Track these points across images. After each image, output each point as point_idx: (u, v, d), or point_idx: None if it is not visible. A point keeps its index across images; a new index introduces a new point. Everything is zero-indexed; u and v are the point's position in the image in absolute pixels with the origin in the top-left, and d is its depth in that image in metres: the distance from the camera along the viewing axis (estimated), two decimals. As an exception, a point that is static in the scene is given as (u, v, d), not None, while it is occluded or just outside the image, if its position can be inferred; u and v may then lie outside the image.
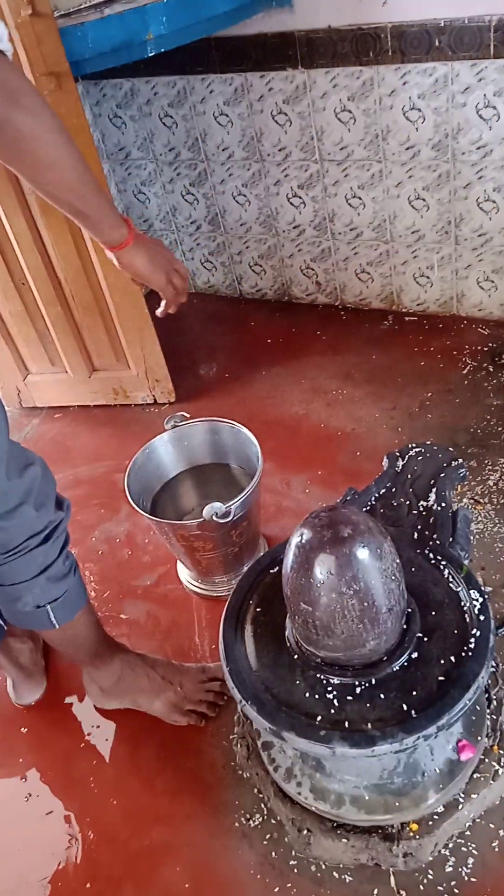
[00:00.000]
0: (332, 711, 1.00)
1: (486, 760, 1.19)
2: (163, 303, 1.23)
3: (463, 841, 1.17)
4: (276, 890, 1.17)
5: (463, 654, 1.02)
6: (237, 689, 1.06)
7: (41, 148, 0.93)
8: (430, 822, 1.14)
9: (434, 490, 1.27)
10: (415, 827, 1.13)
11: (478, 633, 1.03)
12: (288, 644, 1.09)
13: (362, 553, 0.93)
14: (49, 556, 1.17)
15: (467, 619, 1.06)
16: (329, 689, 1.03)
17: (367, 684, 1.02)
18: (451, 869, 1.15)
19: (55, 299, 1.96)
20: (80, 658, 1.38)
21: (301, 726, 0.99)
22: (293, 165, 2.13)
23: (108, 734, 1.44)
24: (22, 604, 1.18)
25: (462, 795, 1.16)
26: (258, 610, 1.16)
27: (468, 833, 1.18)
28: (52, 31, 1.54)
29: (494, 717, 1.22)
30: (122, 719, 1.45)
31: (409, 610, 1.06)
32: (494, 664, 1.29)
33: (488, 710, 1.22)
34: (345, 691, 1.02)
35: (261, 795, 1.28)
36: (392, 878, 1.15)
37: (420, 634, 1.05)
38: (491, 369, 2.02)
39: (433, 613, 1.08)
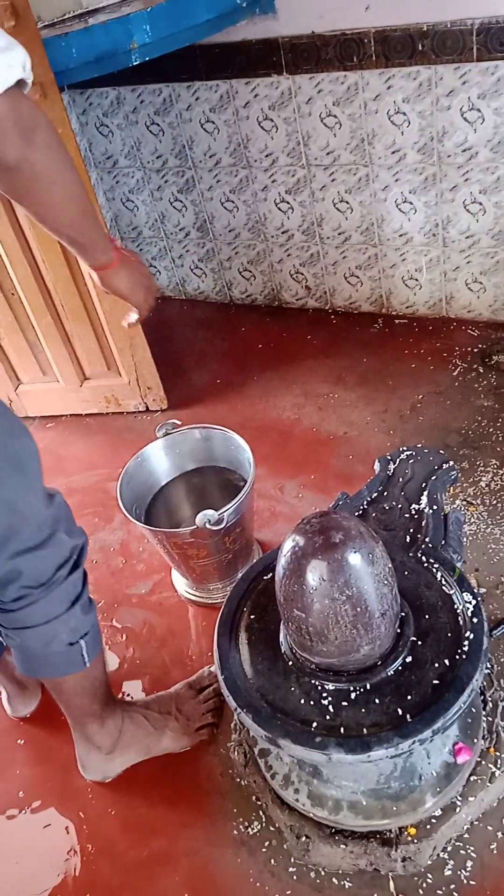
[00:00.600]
0: (328, 717, 1.00)
1: (483, 763, 1.19)
2: (134, 315, 1.23)
3: (461, 844, 1.17)
4: (276, 897, 1.17)
5: (457, 656, 1.02)
6: (232, 698, 1.05)
7: (52, 188, 0.93)
8: (428, 826, 1.14)
9: (425, 493, 1.27)
10: (413, 831, 1.13)
11: (471, 636, 1.04)
12: (282, 651, 1.09)
13: (354, 558, 0.94)
14: (78, 584, 1.13)
15: (461, 622, 1.07)
16: (324, 695, 1.02)
17: (361, 689, 1.02)
18: (449, 872, 1.15)
19: (45, 309, 1.96)
20: (93, 709, 1.26)
21: (297, 733, 0.99)
22: (280, 171, 2.14)
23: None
24: (57, 643, 1.12)
25: (459, 798, 1.16)
26: (252, 617, 1.16)
27: (466, 836, 1.18)
28: (36, 41, 1.54)
29: (490, 719, 1.22)
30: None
31: (403, 614, 1.06)
32: (489, 666, 1.29)
33: (484, 713, 1.22)
34: (340, 697, 1.02)
35: (259, 803, 1.28)
36: (391, 883, 1.15)
37: (414, 638, 1.05)
38: (481, 370, 2.03)
39: (427, 617, 1.09)
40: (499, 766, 1.19)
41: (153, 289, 1.20)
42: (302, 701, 1.03)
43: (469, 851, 1.16)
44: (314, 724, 1.00)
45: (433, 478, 1.29)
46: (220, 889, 1.20)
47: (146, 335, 2.01)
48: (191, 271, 2.56)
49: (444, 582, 1.12)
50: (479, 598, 1.08)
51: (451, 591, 1.11)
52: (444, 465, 1.32)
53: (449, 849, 1.17)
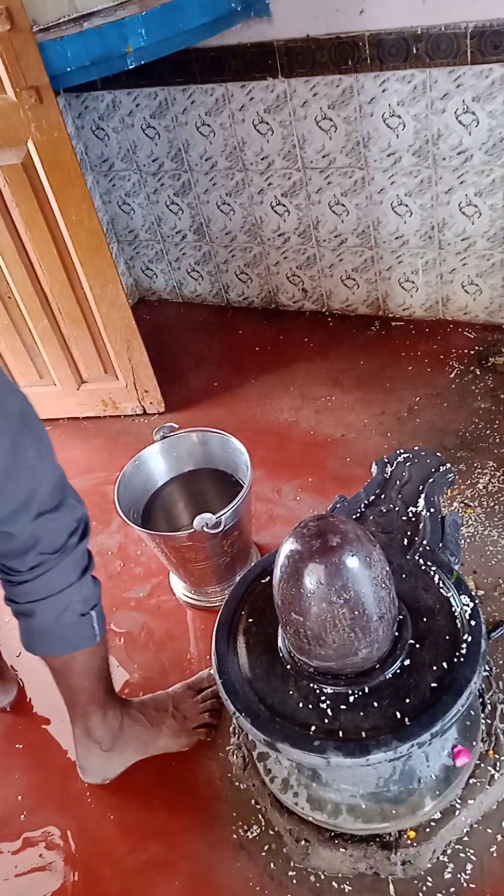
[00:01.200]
0: (326, 721, 1.00)
1: (482, 765, 1.19)
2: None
3: (461, 847, 1.17)
4: (276, 901, 1.17)
5: (455, 659, 1.02)
6: (231, 701, 1.05)
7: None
8: (428, 829, 1.14)
9: (423, 495, 1.27)
10: (412, 834, 1.13)
11: (469, 639, 1.04)
12: (280, 654, 1.09)
13: (352, 561, 0.94)
14: (86, 554, 1.16)
15: (458, 625, 1.07)
16: (322, 698, 1.02)
17: (360, 693, 1.02)
18: (449, 875, 1.15)
19: (42, 313, 1.96)
20: (98, 695, 1.27)
21: (295, 737, 0.99)
22: (276, 174, 2.14)
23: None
24: (69, 614, 1.13)
25: (459, 801, 1.16)
26: (250, 620, 1.16)
27: (466, 839, 1.18)
28: (31, 45, 1.55)
29: (489, 721, 1.23)
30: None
31: (401, 617, 1.06)
32: (487, 668, 1.29)
33: (483, 715, 1.23)
34: (338, 700, 1.02)
35: (258, 807, 1.28)
36: (391, 887, 1.15)
37: (412, 641, 1.05)
38: (478, 372, 2.03)
39: (424, 620, 1.09)
40: (498, 768, 1.19)
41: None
42: (300, 704, 1.03)
43: (469, 854, 1.16)
44: (313, 728, 1.00)
45: (430, 480, 1.30)
46: (219, 894, 1.20)
47: (143, 338, 2.01)
48: (187, 274, 2.56)
49: (441, 585, 1.12)
50: (476, 601, 1.08)
51: (449, 594, 1.11)
52: (442, 468, 1.32)
53: (449, 852, 1.17)
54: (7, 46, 1.53)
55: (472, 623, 1.05)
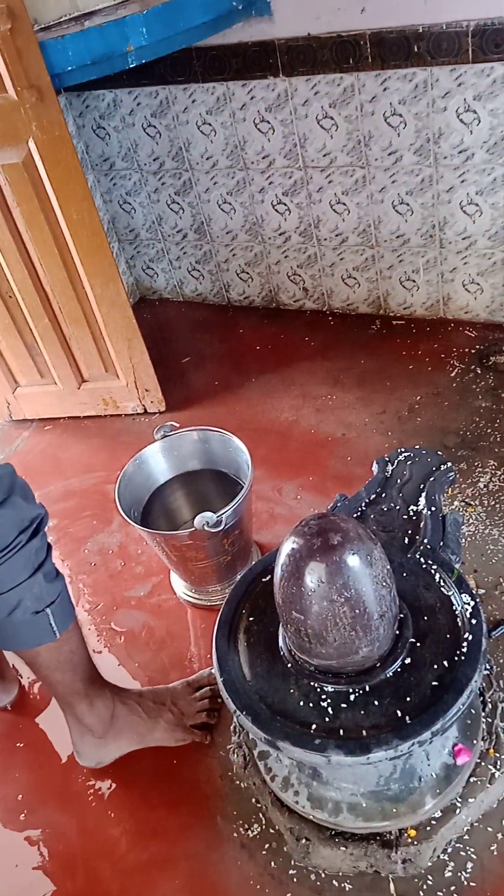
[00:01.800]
0: (327, 719, 1.00)
1: (483, 764, 1.19)
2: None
3: (461, 845, 1.17)
4: (276, 900, 1.17)
5: (456, 658, 1.02)
6: (232, 700, 1.05)
7: None
8: (429, 828, 1.14)
9: (424, 494, 1.27)
10: (413, 833, 1.13)
11: (470, 637, 1.03)
12: (281, 653, 1.09)
13: (352, 560, 0.93)
14: (41, 552, 1.13)
15: (459, 623, 1.06)
16: (323, 696, 1.02)
17: (360, 691, 1.02)
18: (450, 874, 1.15)
19: (42, 312, 1.96)
20: (75, 686, 1.28)
21: (296, 735, 0.99)
22: (277, 173, 2.14)
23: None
24: (21, 610, 1.12)
25: (459, 800, 1.16)
26: (251, 619, 1.16)
27: (466, 837, 1.18)
28: (32, 44, 1.55)
29: (490, 720, 1.22)
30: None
31: (402, 615, 1.06)
32: (488, 667, 1.29)
33: (483, 714, 1.22)
34: (339, 699, 1.02)
35: (259, 805, 1.28)
36: (391, 885, 1.15)
37: (413, 640, 1.05)
38: (479, 371, 2.03)
39: (425, 618, 1.08)
40: (498, 767, 1.19)
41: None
42: (301, 703, 1.03)
43: (469, 853, 1.16)
44: (313, 727, 1.00)
45: (431, 479, 1.29)
46: (220, 892, 1.20)
47: (144, 337, 2.01)
48: (188, 273, 2.56)
49: (442, 583, 1.12)
50: (477, 600, 1.08)
51: (450, 593, 1.11)
52: (442, 467, 1.32)
53: (449, 850, 1.17)
54: (8, 45, 1.53)
55: (473, 621, 1.05)
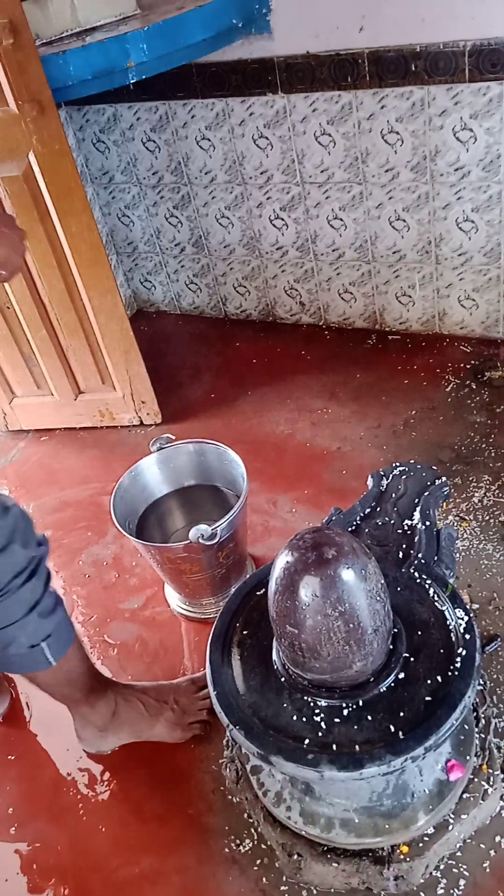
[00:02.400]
0: (320, 734, 1.00)
1: (476, 780, 1.19)
2: None
3: (454, 862, 1.17)
4: (268, 916, 1.16)
5: (449, 673, 1.02)
6: (225, 714, 1.05)
7: None
8: (421, 844, 1.13)
9: (418, 508, 1.27)
10: (405, 849, 1.13)
11: (464, 652, 1.04)
12: (275, 667, 1.08)
13: (347, 574, 0.94)
14: (36, 592, 1.14)
15: (453, 638, 1.07)
16: (316, 711, 1.02)
17: (354, 706, 1.02)
18: (442, 891, 1.14)
19: (40, 323, 1.96)
20: (75, 697, 1.32)
21: (289, 750, 0.99)
22: (275, 188, 2.16)
23: (98, 760, 1.42)
24: (16, 646, 1.14)
25: (452, 816, 1.15)
26: (245, 632, 1.16)
27: (459, 854, 1.17)
28: (33, 59, 1.56)
29: (483, 735, 1.22)
30: (110, 745, 1.44)
31: (395, 630, 1.06)
32: (482, 682, 1.29)
33: (477, 729, 1.22)
34: (332, 713, 1.02)
35: (251, 820, 1.27)
36: (384, 902, 1.14)
37: (406, 654, 1.05)
38: (474, 386, 2.04)
39: (419, 633, 1.09)
40: (491, 783, 1.19)
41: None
42: (294, 717, 1.03)
43: (462, 870, 1.16)
44: (306, 741, 1.00)
45: (426, 493, 1.30)
46: (211, 908, 1.19)
47: (141, 350, 2.01)
48: (186, 286, 2.57)
49: (436, 598, 1.12)
50: (471, 615, 1.09)
51: (444, 608, 1.11)
52: (437, 481, 1.32)
53: (441, 867, 1.16)
54: (10, 59, 1.54)
55: (467, 637, 1.05)
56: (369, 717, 1.00)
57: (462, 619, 1.08)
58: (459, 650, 1.04)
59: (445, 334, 2.24)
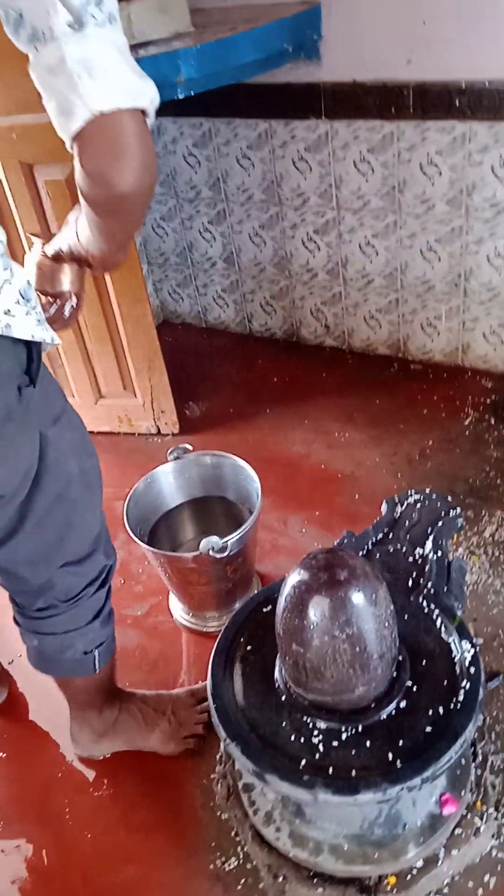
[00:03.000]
0: (317, 756, 1.00)
1: (469, 816, 1.18)
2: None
3: (441, 898, 1.15)
4: (248, 937, 1.15)
5: (452, 705, 1.02)
6: (222, 727, 1.05)
7: (141, 213, 0.90)
8: (409, 877, 1.12)
9: (431, 538, 1.27)
10: (393, 880, 1.12)
11: (467, 686, 1.03)
12: (276, 685, 1.08)
13: (357, 597, 0.94)
14: (101, 599, 1.17)
15: (457, 671, 1.06)
16: (315, 733, 1.02)
17: (353, 731, 1.01)
18: (427, 927, 1.13)
19: (68, 325, 1.98)
20: (92, 702, 1.32)
21: (284, 769, 0.99)
22: (310, 211, 2.18)
23: (89, 764, 1.42)
24: (72, 652, 1.16)
25: (442, 850, 1.14)
26: (248, 648, 1.15)
27: (446, 890, 1.16)
28: (85, 67, 1.59)
29: (479, 771, 1.21)
30: (103, 750, 1.43)
31: (400, 658, 1.06)
32: (482, 718, 1.28)
33: (473, 765, 1.21)
34: (331, 736, 1.01)
35: (238, 838, 1.26)
36: (367, 933, 1.13)
37: (410, 683, 1.05)
38: (493, 421, 2.04)
39: (424, 663, 1.08)
40: (484, 820, 1.17)
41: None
42: (292, 737, 1.02)
43: (448, 907, 1.14)
44: (303, 762, 0.99)
45: (439, 524, 1.30)
46: (191, 924, 1.18)
47: (164, 360, 2.03)
48: (213, 301, 2.59)
49: (443, 629, 1.12)
50: (477, 648, 1.08)
51: (450, 639, 1.10)
52: (451, 512, 1.32)
53: (428, 903, 1.15)
54: (62, 66, 1.57)
55: (472, 670, 1.05)
56: (368, 744, 1.00)
57: (468, 651, 1.08)
58: (463, 683, 1.04)
59: (468, 367, 2.24)
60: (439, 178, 1.94)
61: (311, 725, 1.03)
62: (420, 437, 2.04)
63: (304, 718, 1.03)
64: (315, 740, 1.01)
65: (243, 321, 2.58)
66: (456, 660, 1.08)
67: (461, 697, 1.02)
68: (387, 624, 0.97)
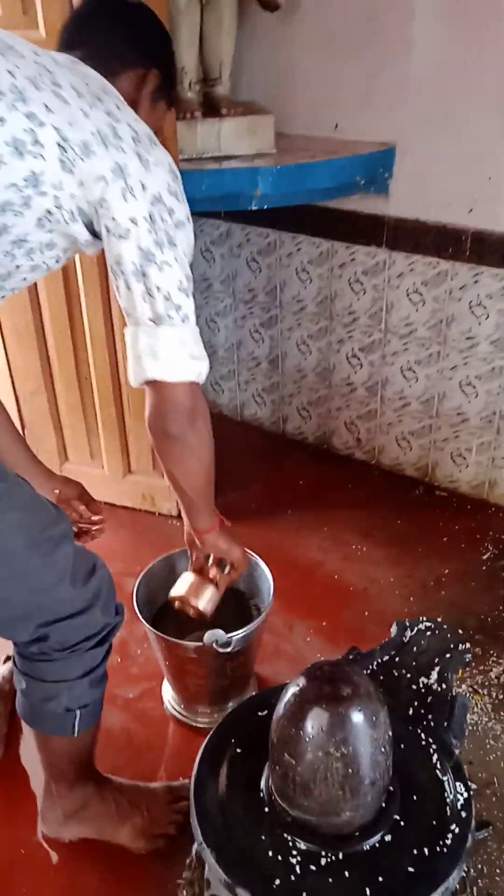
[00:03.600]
0: (293, 878, 0.96)
1: None
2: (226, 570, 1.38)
3: None
4: None
5: (438, 848, 0.98)
6: (199, 830, 1.02)
7: (193, 459, 1.16)
8: None
9: (436, 669, 1.26)
10: None
11: (456, 830, 1.00)
12: (261, 794, 1.06)
13: (357, 717, 0.93)
14: (97, 658, 1.16)
15: (448, 813, 1.03)
16: (294, 853, 0.98)
17: (333, 858, 0.98)
18: None
19: (111, 400, 2.05)
20: (64, 773, 1.28)
21: (256, 885, 0.95)
22: (359, 329, 2.27)
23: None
24: (55, 704, 1.15)
25: None
26: (238, 751, 1.13)
27: None
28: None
29: (456, 927, 1.15)
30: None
31: (391, 788, 1.03)
32: (465, 869, 1.22)
33: (451, 919, 1.15)
34: (309, 860, 0.98)
35: None
36: None
37: (397, 817, 1.02)
38: (511, 561, 2.04)
39: (415, 798, 1.05)
40: None
41: (245, 551, 1.39)
42: (270, 853, 0.99)
43: None
44: (276, 882, 0.96)
45: (447, 656, 1.29)
46: None
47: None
48: (252, 398, 2.67)
49: (438, 766, 1.09)
50: (471, 792, 1.05)
51: (445, 778, 1.08)
52: (460, 646, 1.31)
53: None
54: (153, 167, 1.70)
55: (463, 814, 1.02)
56: (346, 874, 0.96)
57: (461, 794, 1.05)
58: (452, 826, 1.00)
59: (492, 503, 2.26)
60: (486, 320, 2.02)
61: (290, 844, 0.99)
62: (437, 564, 2.04)
63: (285, 835, 1.00)
64: (293, 860, 0.98)
65: (278, 422, 2.65)
66: (448, 801, 1.05)
67: (448, 841, 0.99)
68: (383, 749, 0.96)
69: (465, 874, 1.20)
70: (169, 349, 1.03)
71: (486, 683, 1.66)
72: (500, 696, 1.63)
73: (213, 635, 1.37)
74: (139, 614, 1.48)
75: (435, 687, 1.22)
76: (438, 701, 1.20)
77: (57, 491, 1.42)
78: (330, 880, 0.96)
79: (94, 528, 1.48)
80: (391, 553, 2.08)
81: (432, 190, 1.97)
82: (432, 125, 1.91)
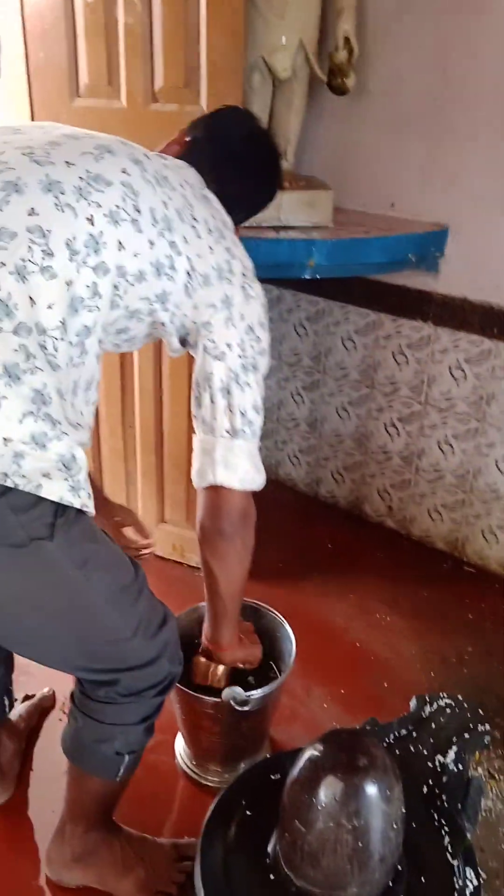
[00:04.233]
0: None
1: None
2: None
3: None
4: None
5: (443, 936, 0.96)
6: (203, 890, 1.01)
7: (236, 562, 1.34)
8: None
9: (454, 748, 1.25)
10: None
11: (464, 919, 0.98)
12: (268, 860, 1.05)
13: (372, 789, 0.93)
14: (155, 706, 1.19)
15: (456, 900, 1.01)
16: (296, 924, 0.97)
17: (336, 933, 0.96)
18: None
19: (153, 448, 2.10)
20: (88, 815, 1.29)
21: None
22: (399, 400, 2.30)
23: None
24: (107, 746, 1.17)
25: None
26: (248, 813, 1.13)
27: None
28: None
29: None
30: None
31: (399, 867, 1.02)
32: None
33: None
34: (311, 933, 0.96)
35: None
36: None
37: (404, 898, 1.00)
38: (537, 645, 2.01)
39: (423, 880, 1.03)
40: None
41: (258, 647, 1.50)
42: (271, 922, 0.98)
43: None
44: None
45: (466, 735, 1.27)
46: None
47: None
48: (288, 458, 2.70)
49: (449, 849, 1.08)
50: (482, 880, 1.03)
51: (455, 862, 1.06)
52: (480, 727, 1.30)
53: None
54: (213, 232, 1.78)
55: (471, 904, 1.00)
56: None
57: (471, 881, 1.03)
58: (460, 915, 0.98)
59: (521, 584, 2.24)
60: (527, 400, 2.04)
61: (293, 915, 0.98)
62: (461, 640, 2.01)
63: (288, 905, 0.99)
64: (294, 933, 0.96)
65: (312, 484, 2.67)
66: (457, 887, 1.03)
67: (455, 930, 0.96)
68: (394, 825, 0.95)
69: None
70: (240, 460, 1.18)
71: (504, 769, 1.62)
72: (518, 785, 1.59)
73: (232, 692, 1.38)
74: (160, 664, 1.49)
75: (451, 767, 1.20)
76: (454, 782, 1.18)
77: (117, 518, 1.48)
78: None
79: (144, 553, 1.53)
80: (415, 625, 2.07)
81: (481, 271, 2.02)
82: (486, 209, 1.97)
